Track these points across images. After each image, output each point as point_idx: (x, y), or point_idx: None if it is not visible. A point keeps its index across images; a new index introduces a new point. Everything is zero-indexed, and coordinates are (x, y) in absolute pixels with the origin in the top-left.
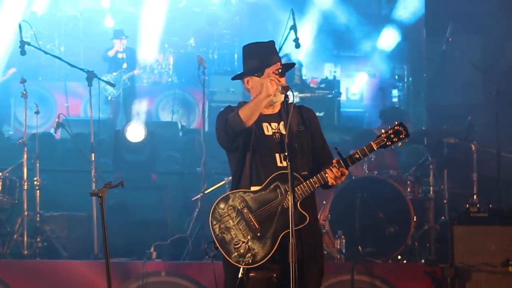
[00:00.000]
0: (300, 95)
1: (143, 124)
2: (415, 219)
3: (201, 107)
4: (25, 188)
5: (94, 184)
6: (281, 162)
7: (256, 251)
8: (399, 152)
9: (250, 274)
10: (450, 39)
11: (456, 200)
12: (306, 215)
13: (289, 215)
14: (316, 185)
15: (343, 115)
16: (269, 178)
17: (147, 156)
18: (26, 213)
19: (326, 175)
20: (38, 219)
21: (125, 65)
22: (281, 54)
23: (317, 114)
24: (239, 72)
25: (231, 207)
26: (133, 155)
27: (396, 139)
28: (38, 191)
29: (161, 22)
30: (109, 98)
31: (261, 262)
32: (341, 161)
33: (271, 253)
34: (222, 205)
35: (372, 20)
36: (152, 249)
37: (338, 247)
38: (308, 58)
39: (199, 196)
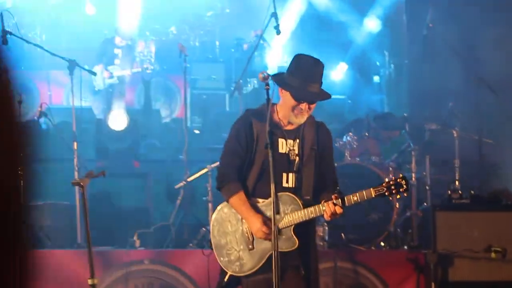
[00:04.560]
0: None
1: (125, 112)
2: (397, 206)
3: (183, 95)
4: None
5: (76, 173)
6: (286, 182)
7: (244, 261)
8: (381, 138)
9: (250, 277)
10: (430, 25)
11: (438, 186)
12: (297, 240)
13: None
14: (312, 215)
15: (326, 101)
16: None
17: (129, 144)
18: None
19: (324, 209)
20: None
21: (117, 61)
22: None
23: None
24: (280, 73)
25: (233, 214)
26: (116, 143)
27: (395, 191)
28: (21, 181)
29: (139, 7)
30: (96, 89)
31: (247, 273)
32: (339, 199)
33: (257, 267)
34: (226, 210)
35: (353, 7)
36: (135, 237)
37: (321, 234)
38: (289, 43)
39: (181, 184)
